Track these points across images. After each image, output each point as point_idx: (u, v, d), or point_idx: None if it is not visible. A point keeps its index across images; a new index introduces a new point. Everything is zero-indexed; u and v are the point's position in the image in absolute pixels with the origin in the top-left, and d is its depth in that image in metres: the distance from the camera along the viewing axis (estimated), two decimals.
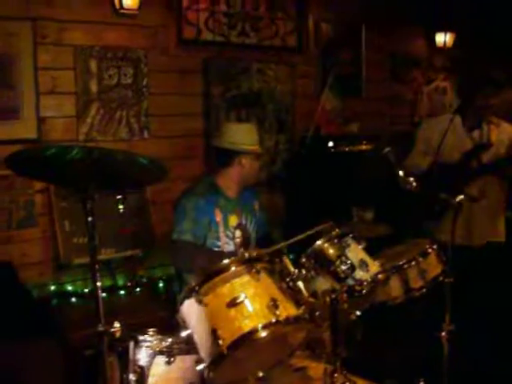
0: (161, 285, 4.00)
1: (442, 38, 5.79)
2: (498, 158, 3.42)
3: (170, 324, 2.14)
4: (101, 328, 1.76)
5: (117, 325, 1.81)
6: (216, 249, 2.83)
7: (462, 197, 2.50)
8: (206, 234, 2.79)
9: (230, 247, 2.86)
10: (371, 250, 2.31)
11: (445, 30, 5.74)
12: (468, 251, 3.27)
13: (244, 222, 2.94)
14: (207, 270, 1.85)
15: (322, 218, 2.25)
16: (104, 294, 3.65)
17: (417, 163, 3.52)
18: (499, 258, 3.40)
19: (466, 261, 2.88)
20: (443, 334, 2.52)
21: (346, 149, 4.62)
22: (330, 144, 4.56)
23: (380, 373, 2.31)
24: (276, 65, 4.73)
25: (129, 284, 3.92)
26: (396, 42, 5.56)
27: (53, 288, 3.71)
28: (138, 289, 3.93)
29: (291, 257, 2.07)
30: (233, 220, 2.88)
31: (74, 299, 3.69)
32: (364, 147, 4.70)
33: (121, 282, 3.92)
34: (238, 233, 2.89)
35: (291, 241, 2.13)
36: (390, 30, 5.38)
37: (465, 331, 2.57)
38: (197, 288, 1.81)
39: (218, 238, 2.81)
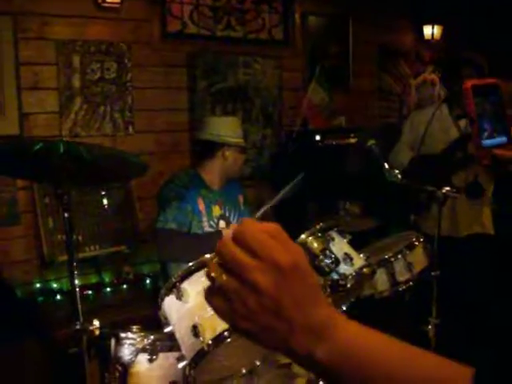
0: (147, 281, 3.97)
1: (430, 31, 5.78)
2: None
3: (155, 321, 2.11)
4: (78, 326, 1.73)
5: (96, 323, 1.78)
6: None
7: (447, 189, 2.48)
8: (190, 222, 2.76)
9: None
10: (358, 244, 2.29)
11: (432, 22, 5.73)
12: (453, 242, 3.26)
13: (227, 214, 2.92)
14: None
15: (308, 212, 2.23)
16: (90, 291, 3.68)
17: (399, 160, 3.49)
18: (484, 249, 3.39)
19: (451, 252, 2.87)
20: (429, 327, 2.51)
21: (334, 142, 4.60)
22: (317, 137, 4.53)
23: None
24: (262, 58, 4.69)
25: (115, 281, 3.88)
26: (383, 34, 5.55)
27: (37, 286, 3.67)
28: (124, 285, 3.89)
29: None
30: (216, 210, 2.87)
31: (58, 296, 3.65)
32: (351, 140, 4.68)
33: (107, 279, 3.89)
34: (222, 223, 2.87)
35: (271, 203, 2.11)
36: (378, 22, 5.36)
37: (449, 324, 2.56)
38: (177, 284, 1.78)
39: (202, 228, 2.79)
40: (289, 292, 0.66)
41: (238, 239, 0.67)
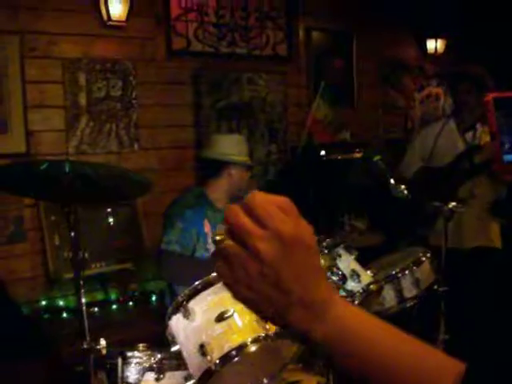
0: (153, 298, 3.96)
1: (433, 45, 5.79)
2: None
3: (162, 339, 2.10)
4: (86, 345, 1.72)
5: (103, 342, 1.77)
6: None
7: (453, 204, 2.47)
8: (195, 244, 2.76)
9: None
10: (365, 259, 2.28)
11: (435, 36, 5.75)
12: (460, 255, 3.24)
13: None
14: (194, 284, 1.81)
15: (314, 227, 2.22)
16: (96, 309, 3.67)
17: (411, 171, 3.49)
18: (488, 262, 3.37)
19: (458, 266, 2.85)
20: (438, 343, 2.49)
21: (339, 157, 4.60)
22: (322, 153, 4.53)
23: None
24: (266, 74, 4.71)
25: (121, 298, 3.87)
26: (387, 49, 5.56)
27: (43, 303, 3.66)
28: (130, 303, 3.88)
29: None
30: None
31: (65, 314, 3.64)
32: (356, 155, 4.68)
33: (113, 296, 3.88)
34: None
35: None
36: (381, 37, 5.38)
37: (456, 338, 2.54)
38: (184, 303, 1.77)
39: (207, 250, 2.79)
40: (289, 264, 0.66)
41: (247, 208, 0.67)
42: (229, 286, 0.69)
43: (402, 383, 0.66)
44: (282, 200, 0.69)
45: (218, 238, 0.69)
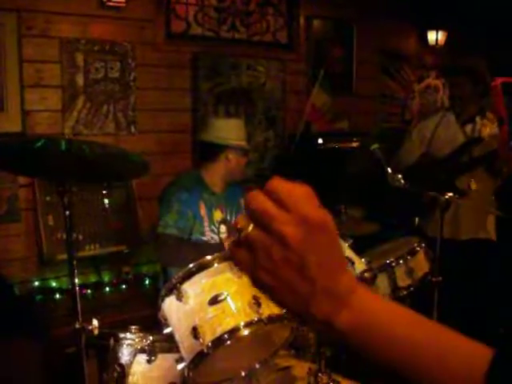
0: (147, 281, 3.95)
1: (434, 36, 5.77)
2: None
3: (155, 321, 2.10)
4: (78, 325, 1.71)
5: (95, 322, 1.77)
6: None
7: (450, 194, 2.47)
8: (191, 227, 2.75)
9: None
10: (360, 248, 2.28)
11: (436, 28, 5.72)
12: (456, 247, 3.24)
13: (229, 217, 2.90)
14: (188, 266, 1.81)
15: None
16: (89, 291, 3.67)
17: (410, 160, 3.50)
18: (484, 254, 3.38)
19: (453, 257, 2.85)
20: None
21: (336, 146, 4.59)
22: (320, 141, 4.52)
23: (364, 373, 2.27)
24: (266, 61, 4.69)
25: (114, 280, 3.87)
26: (387, 39, 5.54)
27: (36, 284, 3.65)
28: (123, 285, 3.88)
29: None
30: (217, 215, 2.85)
31: (58, 295, 3.64)
32: (354, 144, 4.67)
33: (106, 279, 3.87)
34: (223, 228, 2.85)
35: None
36: (382, 27, 5.35)
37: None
38: (177, 285, 1.77)
39: (203, 233, 2.78)
40: (315, 250, 0.64)
41: (270, 192, 0.66)
42: (249, 273, 0.68)
43: (428, 374, 0.65)
44: (305, 188, 0.67)
45: (239, 225, 0.67)
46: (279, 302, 0.68)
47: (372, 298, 0.68)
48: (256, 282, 0.67)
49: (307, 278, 0.65)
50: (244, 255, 0.67)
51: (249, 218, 0.66)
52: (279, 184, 0.66)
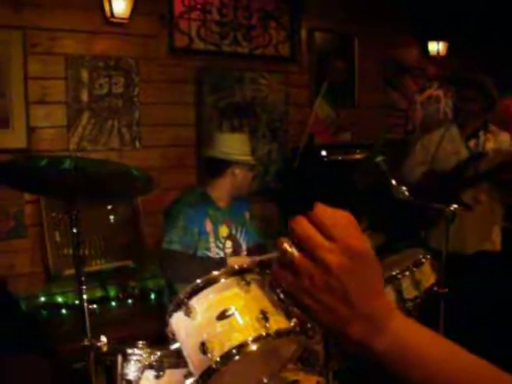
0: (152, 296, 3.95)
1: (435, 47, 5.79)
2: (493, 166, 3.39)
3: (161, 336, 2.10)
4: (87, 342, 1.72)
5: (103, 339, 1.77)
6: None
7: (455, 206, 2.47)
8: (197, 243, 2.75)
9: None
10: None
11: (437, 38, 5.75)
12: (461, 259, 3.24)
13: (234, 232, 2.91)
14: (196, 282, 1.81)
15: None
16: (95, 306, 3.66)
17: (414, 177, 3.49)
18: (491, 266, 3.37)
19: (459, 269, 2.85)
20: None
21: (339, 157, 4.59)
22: (323, 153, 4.52)
23: None
24: (269, 74, 4.71)
25: (120, 295, 3.87)
26: (389, 50, 5.56)
27: (42, 299, 3.66)
28: (129, 300, 3.87)
29: None
30: (223, 230, 2.85)
31: (64, 311, 3.64)
32: (358, 156, 4.67)
33: (112, 294, 3.87)
34: (228, 243, 2.86)
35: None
36: (383, 38, 5.37)
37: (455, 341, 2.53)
38: (185, 301, 1.77)
39: (209, 249, 2.78)
40: (357, 278, 0.68)
41: (314, 220, 0.69)
42: (291, 294, 0.71)
43: None
44: (347, 215, 0.71)
45: (286, 248, 0.70)
46: (317, 322, 0.71)
47: (407, 322, 0.72)
48: (296, 303, 0.71)
49: (347, 303, 0.68)
50: (288, 277, 0.70)
51: (291, 242, 0.70)
52: (324, 211, 0.70)
